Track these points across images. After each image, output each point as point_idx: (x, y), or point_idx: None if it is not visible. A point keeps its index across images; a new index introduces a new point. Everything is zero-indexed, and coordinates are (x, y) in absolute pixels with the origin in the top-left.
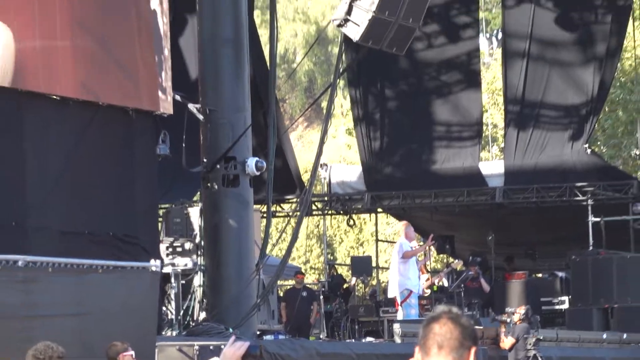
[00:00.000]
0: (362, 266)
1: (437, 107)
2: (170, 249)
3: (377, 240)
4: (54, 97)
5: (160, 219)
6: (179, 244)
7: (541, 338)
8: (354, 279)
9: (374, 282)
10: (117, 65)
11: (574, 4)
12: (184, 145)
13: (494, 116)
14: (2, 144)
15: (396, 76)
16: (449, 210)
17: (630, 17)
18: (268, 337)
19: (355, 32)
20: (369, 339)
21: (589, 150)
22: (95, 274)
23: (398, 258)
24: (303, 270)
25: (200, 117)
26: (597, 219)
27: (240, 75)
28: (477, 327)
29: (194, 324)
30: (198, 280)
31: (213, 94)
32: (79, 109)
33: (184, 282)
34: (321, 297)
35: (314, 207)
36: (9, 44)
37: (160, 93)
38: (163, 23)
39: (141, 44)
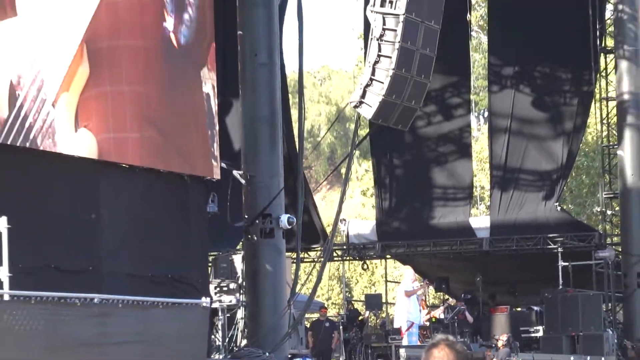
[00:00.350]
0: (374, 302)
1: (436, 173)
2: (218, 288)
3: (386, 281)
4: (124, 165)
5: (209, 264)
6: (225, 284)
7: None
8: (367, 312)
9: (384, 315)
10: (176, 140)
11: (547, 89)
12: (228, 204)
13: (481, 180)
14: (82, 203)
15: (402, 148)
16: (445, 257)
17: (593, 100)
18: None
19: (368, 112)
20: None
21: (559, 208)
22: (156, 309)
23: (402, 295)
24: (326, 305)
25: (243, 181)
26: (566, 264)
27: (274, 148)
28: (468, 351)
29: (237, 349)
30: (240, 313)
31: (253, 163)
32: (144, 175)
33: (229, 315)
34: (341, 327)
35: (334, 254)
36: (92, 145)
37: (211, 161)
38: (214, 104)
39: (196, 122)
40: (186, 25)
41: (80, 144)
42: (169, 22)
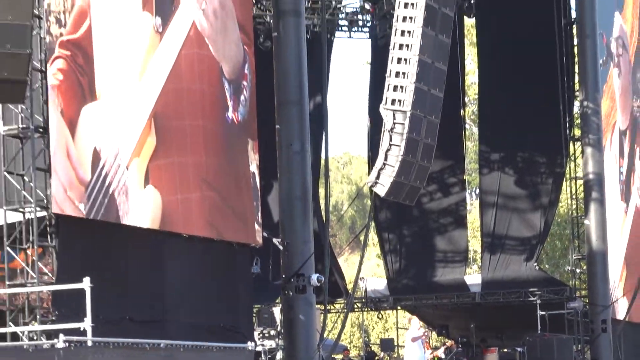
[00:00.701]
0: (387, 345)
1: (437, 240)
2: (261, 335)
3: (397, 328)
4: (184, 235)
5: (254, 315)
6: (266, 331)
7: None
8: (382, 353)
9: (396, 356)
10: (230, 209)
11: (527, 171)
12: (270, 266)
13: (474, 245)
14: (151, 264)
15: (410, 220)
16: (445, 307)
17: (564, 179)
18: None
19: (382, 190)
20: None
21: (537, 267)
22: (211, 352)
23: (409, 341)
24: (348, 348)
25: (280, 247)
26: (543, 313)
27: (306, 220)
28: None
29: None
30: (279, 355)
31: (289, 232)
32: (201, 242)
33: (270, 356)
34: None
35: (355, 306)
36: (157, 200)
37: (255, 230)
38: (258, 181)
39: (245, 195)
40: (242, 105)
41: (148, 199)
42: (229, 104)
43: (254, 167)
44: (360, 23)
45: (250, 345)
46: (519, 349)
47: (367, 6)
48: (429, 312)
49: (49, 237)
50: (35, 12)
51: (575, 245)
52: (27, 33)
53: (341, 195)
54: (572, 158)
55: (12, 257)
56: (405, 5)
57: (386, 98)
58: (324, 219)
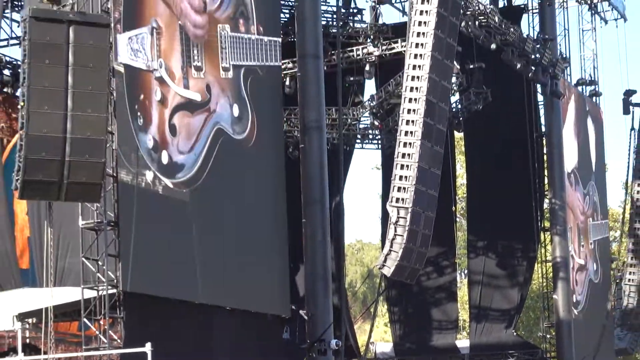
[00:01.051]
0: None
1: (433, 311)
2: None
3: None
4: (227, 308)
5: None
6: None
7: None
8: None
9: None
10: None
11: (506, 255)
12: (297, 333)
13: (464, 315)
14: (202, 331)
15: (411, 295)
16: None
17: (536, 262)
18: None
19: (388, 272)
20: None
21: (515, 334)
22: None
23: None
24: None
25: (306, 317)
26: None
27: (327, 296)
28: None
29: None
30: None
31: (312, 306)
32: (241, 314)
33: None
34: None
35: None
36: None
37: (286, 304)
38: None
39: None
40: None
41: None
42: None
43: None
44: (371, 136)
45: None
46: None
47: (376, 123)
48: None
49: (117, 310)
50: (109, 129)
51: (545, 315)
52: (102, 146)
53: (355, 275)
54: (543, 245)
55: (87, 326)
56: (407, 122)
57: (392, 197)
58: (341, 295)
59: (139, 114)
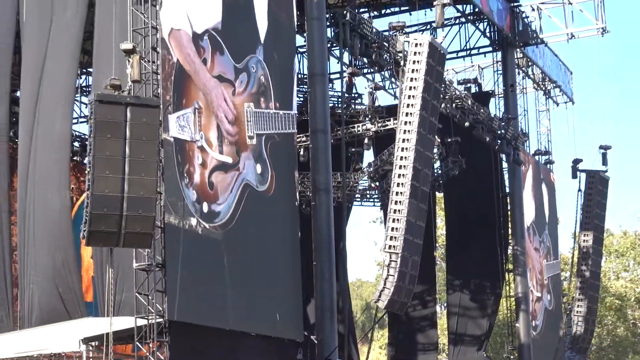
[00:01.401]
0: None
1: (418, 337)
2: None
3: None
4: (252, 334)
5: None
6: None
7: None
8: None
9: None
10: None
11: (477, 292)
12: (308, 354)
13: (443, 340)
14: (228, 357)
15: (400, 324)
16: None
17: (501, 297)
18: None
19: (382, 304)
20: None
21: (485, 355)
22: None
23: None
24: None
25: (315, 341)
26: None
27: (333, 323)
28: None
29: None
30: None
31: (321, 332)
32: (261, 339)
33: None
34: None
35: None
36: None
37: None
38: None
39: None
40: None
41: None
42: None
43: None
44: (368, 196)
45: None
46: None
47: (372, 185)
48: None
49: (164, 335)
50: (158, 189)
51: (509, 340)
52: (153, 203)
53: (355, 307)
54: (507, 283)
55: (139, 348)
56: (398, 184)
57: (385, 244)
58: (346, 323)
59: (185, 174)
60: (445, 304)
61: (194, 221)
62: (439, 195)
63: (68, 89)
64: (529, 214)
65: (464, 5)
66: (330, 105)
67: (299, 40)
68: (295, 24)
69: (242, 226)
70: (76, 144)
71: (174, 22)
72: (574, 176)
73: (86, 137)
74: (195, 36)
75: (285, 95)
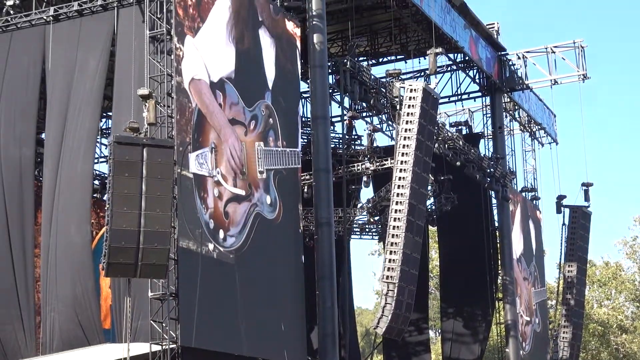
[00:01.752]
0: None
1: None
2: None
3: None
4: (260, 358)
5: None
6: None
7: None
8: None
9: None
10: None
11: (470, 319)
12: None
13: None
14: None
15: (397, 348)
16: None
17: (492, 324)
18: None
19: (381, 331)
20: None
21: None
22: None
23: None
24: None
25: None
26: None
27: (334, 349)
28: None
29: None
30: None
31: (323, 356)
32: None
33: None
34: None
35: None
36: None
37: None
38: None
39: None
40: None
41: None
42: None
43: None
44: (367, 230)
45: None
46: None
47: (371, 220)
48: None
49: None
50: (173, 224)
51: None
52: (168, 236)
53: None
54: (497, 311)
55: None
56: (395, 219)
57: (383, 275)
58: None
59: (203, 205)
60: (439, 330)
61: (210, 246)
62: (433, 229)
63: (91, 132)
64: (518, 247)
65: (455, 54)
66: (332, 146)
67: (303, 86)
68: (300, 71)
69: (253, 250)
70: (96, 182)
71: (194, 72)
72: (559, 211)
73: (106, 175)
74: (212, 84)
75: (291, 134)
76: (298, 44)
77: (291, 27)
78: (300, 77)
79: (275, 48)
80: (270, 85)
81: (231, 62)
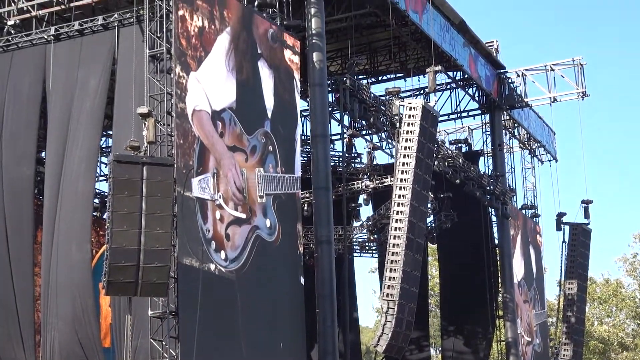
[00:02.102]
0: None
1: None
2: None
3: None
4: None
5: None
6: None
7: None
8: None
9: None
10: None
11: (470, 337)
12: None
13: None
14: None
15: None
16: None
17: (492, 341)
18: None
19: (381, 349)
20: None
21: None
22: None
23: None
24: None
25: None
26: None
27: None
28: None
29: None
30: None
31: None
32: None
33: None
34: None
35: None
36: None
37: None
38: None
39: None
40: None
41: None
42: None
43: None
44: (367, 248)
45: None
46: None
47: (371, 237)
48: None
49: None
50: (173, 242)
51: None
52: (168, 254)
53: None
54: (498, 329)
55: None
56: (394, 237)
57: (383, 292)
58: None
59: (205, 227)
60: (440, 349)
61: (212, 266)
62: (433, 246)
63: (91, 151)
64: (519, 271)
65: (455, 72)
66: (332, 164)
67: (303, 105)
68: (297, 101)
69: (253, 271)
70: (96, 200)
71: (196, 104)
72: (559, 228)
73: (106, 194)
74: (214, 114)
75: (289, 161)
76: (295, 74)
77: (289, 55)
78: (297, 106)
79: (273, 79)
80: (269, 114)
81: (232, 93)
